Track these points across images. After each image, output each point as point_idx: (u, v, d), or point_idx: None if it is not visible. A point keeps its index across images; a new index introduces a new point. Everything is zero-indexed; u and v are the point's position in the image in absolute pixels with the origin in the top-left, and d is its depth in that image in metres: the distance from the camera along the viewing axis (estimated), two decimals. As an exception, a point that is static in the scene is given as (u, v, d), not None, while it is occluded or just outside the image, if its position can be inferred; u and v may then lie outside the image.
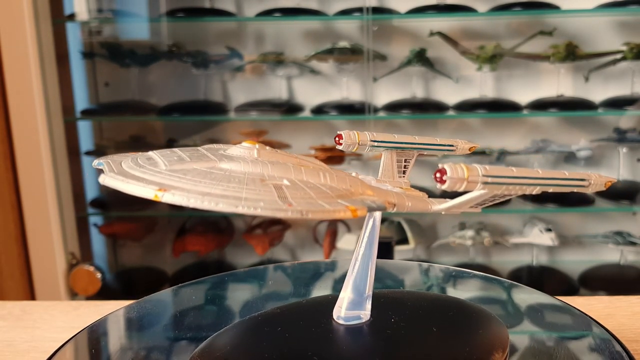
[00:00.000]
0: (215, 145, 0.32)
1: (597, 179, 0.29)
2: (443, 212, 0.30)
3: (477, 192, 0.27)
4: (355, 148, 0.36)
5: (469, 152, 0.40)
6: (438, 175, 0.26)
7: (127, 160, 0.27)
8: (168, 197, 0.23)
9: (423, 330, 0.33)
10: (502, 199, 0.29)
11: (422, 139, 0.37)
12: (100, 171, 0.27)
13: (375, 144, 0.36)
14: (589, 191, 0.29)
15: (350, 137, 0.36)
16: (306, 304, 0.36)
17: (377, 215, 0.33)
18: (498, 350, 0.31)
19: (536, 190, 0.28)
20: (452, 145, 0.38)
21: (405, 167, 0.37)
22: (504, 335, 0.32)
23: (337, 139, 0.36)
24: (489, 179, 0.26)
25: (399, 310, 0.34)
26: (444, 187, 0.26)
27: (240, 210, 0.22)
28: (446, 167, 0.26)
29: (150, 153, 0.29)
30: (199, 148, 0.31)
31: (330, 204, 0.24)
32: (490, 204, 0.29)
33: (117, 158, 0.29)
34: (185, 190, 0.23)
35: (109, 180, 0.24)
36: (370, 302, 0.33)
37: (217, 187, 0.24)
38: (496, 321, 0.35)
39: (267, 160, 0.28)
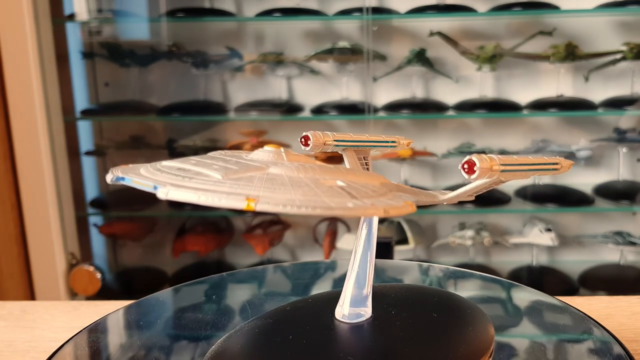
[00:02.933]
0: (228, 152, 0.32)
1: (564, 162, 0.33)
2: (445, 203, 0.32)
3: (480, 181, 0.29)
4: (321, 149, 0.36)
5: (407, 147, 0.41)
6: (466, 166, 0.28)
7: (152, 172, 0.27)
8: (262, 206, 0.22)
9: (424, 323, 0.33)
10: (493, 187, 0.31)
11: (371, 137, 0.38)
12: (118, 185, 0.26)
13: (337, 143, 0.36)
14: (559, 173, 0.33)
15: (318, 138, 0.36)
16: (307, 304, 0.36)
17: None
18: (486, 340, 0.33)
19: (528, 176, 0.31)
20: (394, 142, 0.40)
21: (366, 164, 0.38)
22: (490, 326, 0.35)
23: (303, 140, 0.36)
24: (504, 167, 0.29)
25: (394, 304, 0.35)
26: (474, 177, 0.28)
27: (335, 212, 0.23)
28: (474, 158, 0.28)
29: (172, 164, 0.28)
30: (216, 156, 0.30)
31: (393, 201, 0.24)
32: (483, 192, 0.31)
33: (132, 169, 0.28)
34: (272, 198, 0.23)
35: (175, 193, 0.24)
36: (370, 299, 0.33)
37: (296, 193, 0.24)
38: (479, 311, 0.36)
39: (301, 163, 0.28)
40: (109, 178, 0.27)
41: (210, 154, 0.31)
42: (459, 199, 0.32)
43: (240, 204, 0.22)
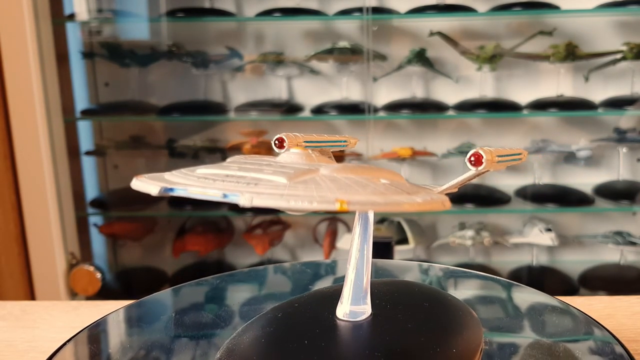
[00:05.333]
0: (249, 156, 0.32)
1: (524, 152, 0.36)
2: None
3: (471, 172, 0.32)
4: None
5: (354, 146, 0.42)
6: (473, 159, 0.31)
7: (199, 180, 0.26)
8: (353, 206, 0.23)
9: (422, 316, 0.34)
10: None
11: (329, 137, 0.39)
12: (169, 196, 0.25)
13: (306, 144, 0.36)
14: (522, 162, 0.36)
15: (292, 139, 0.36)
16: (303, 304, 0.36)
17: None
18: (476, 325, 0.34)
19: (505, 166, 0.34)
20: (345, 141, 0.41)
21: None
22: (474, 314, 0.36)
23: (277, 142, 0.35)
24: (498, 159, 0.32)
25: (384, 299, 0.35)
26: (480, 168, 0.31)
27: (408, 208, 0.24)
28: (481, 151, 0.31)
29: (213, 170, 0.27)
30: (249, 161, 0.30)
31: (433, 197, 0.25)
32: (465, 183, 0.34)
33: (159, 177, 0.27)
34: (357, 199, 0.23)
35: (260, 200, 0.23)
36: (369, 296, 0.33)
37: (366, 192, 0.24)
38: (468, 310, 0.36)
39: (341, 164, 0.29)
40: (154, 191, 0.26)
41: (235, 159, 0.31)
42: (448, 191, 0.34)
43: (333, 206, 0.23)
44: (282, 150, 0.35)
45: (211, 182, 0.26)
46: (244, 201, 0.23)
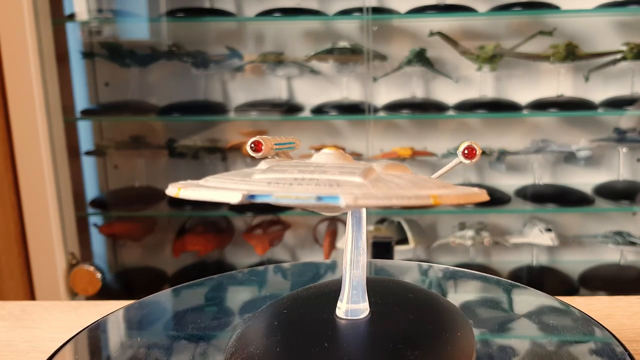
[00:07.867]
0: (290, 160, 0.32)
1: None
2: None
3: (452, 163, 0.34)
4: (268, 154, 0.35)
5: (299, 147, 0.42)
6: (466, 152, 0.33)
7: (269, 185, 0.25)
8: (443, 200, 0.24)
9: (417, 310, 0.34)
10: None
11: (286, 139, 0.39)
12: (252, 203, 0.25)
13: (276, 146, 0.36)
14: (478, 155, 0.37)
15: (268, 143, 0.35)
16: (297, 305, 0.36)
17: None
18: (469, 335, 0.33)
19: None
20: (294, 142, 0.41)
21: None
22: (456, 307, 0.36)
23: (253, 145, 0.35)
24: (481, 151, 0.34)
25: (375, 295, 0.35)
26: (474, 160, 0.33)
27: (473, 199, 0.26)
28: (474, 145, 0.33)
29: (277, 175, 0.26)
30: (293, 164, 0.29)
31: (467, 189, 0.27)
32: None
33: (194, 184, 0.26)
34: (442, 193, 0.25)
35: (363, 201, 0.23)
36: (366, 294, 0.33)
37: (433, 187, 0.26)
38: (444, 298, 0.37)
39: (383, 163, 0.30)
40: (236, 198, 0.24)
41: (270, 162, 0.30)
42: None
43: (428, 201, 0.24)
44: (259, 154, 0.34)
45: (287, 186, 0.25)
46: (347, 202, 0.23)
